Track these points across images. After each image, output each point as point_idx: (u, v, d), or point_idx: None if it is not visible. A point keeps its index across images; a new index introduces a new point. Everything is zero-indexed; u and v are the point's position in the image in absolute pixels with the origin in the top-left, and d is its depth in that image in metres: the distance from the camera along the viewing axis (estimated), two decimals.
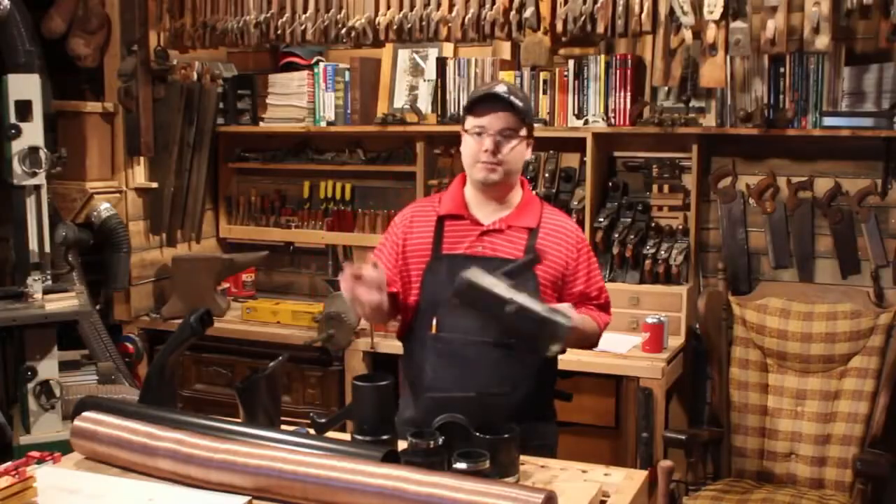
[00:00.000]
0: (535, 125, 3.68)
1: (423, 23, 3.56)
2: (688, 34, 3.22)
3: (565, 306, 2.12)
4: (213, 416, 2.08)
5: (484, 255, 2.28)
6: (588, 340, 2.39)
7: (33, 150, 3.23)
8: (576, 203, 3.74)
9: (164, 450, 1.85)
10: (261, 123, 4.28)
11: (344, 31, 3.68)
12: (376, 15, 3.63)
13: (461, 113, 2.37)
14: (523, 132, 2.29)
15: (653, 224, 3.71)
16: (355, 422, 1.96)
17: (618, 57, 3.63)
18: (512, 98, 2.26)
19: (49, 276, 3.34)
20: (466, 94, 3.84)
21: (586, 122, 3.67)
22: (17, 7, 3.47)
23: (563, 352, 2.41)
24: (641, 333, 3.41)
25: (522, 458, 2.00)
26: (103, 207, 3.83)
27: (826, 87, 3.37)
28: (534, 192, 2.49)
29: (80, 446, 2.02)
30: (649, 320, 3.38)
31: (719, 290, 3.56)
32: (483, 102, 2.27)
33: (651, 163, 3.75)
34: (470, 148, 2.29)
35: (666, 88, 3.63)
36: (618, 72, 3.62)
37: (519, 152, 2.30)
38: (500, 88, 2.28)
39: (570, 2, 3.32)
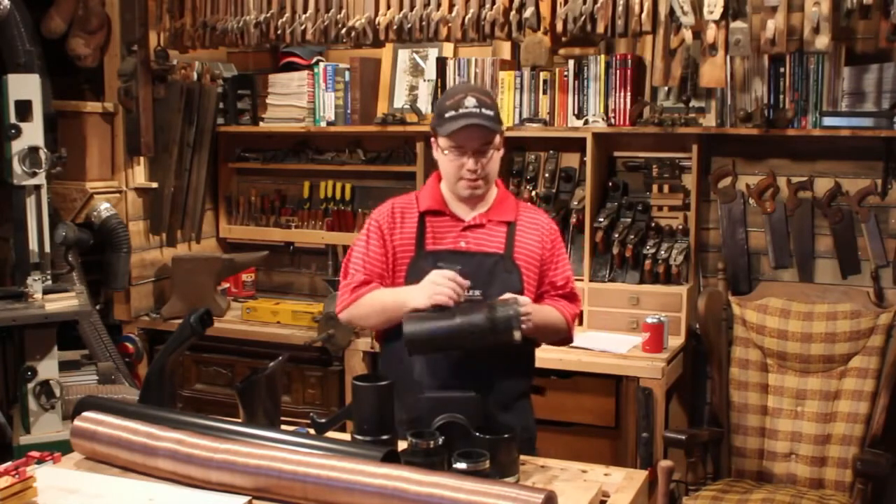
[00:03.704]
0: (535, 125, 3.72)
1: (423, 23, 3.56)
2: (688, 34, 3.22)
3: (511, 296, 2.17)
4: (213, 416, 2.09)
5: (468, 251, 2.33)
6: (555, 332, 2.40)
7: (33, 150, 3.23)
8: (576, 203, 3.74)
9: (164, 450, 1.85)
10: (261, 123, 4.28)
11: (344, 31, 3.68)
12: (376, 15, 3.63)
13: (434, 127, 2.35)
14: (497, 140, 2.32)
15: (653, 224, 3.71)
16: (355, 422, 1.97)
17: (618, 57, 3.63)
18: (482, 110, 2.25)
19: (49, 276, 3.34)
20: None
21: (586, 122, 3.67)
22: (17, 7, 3.47)
23: (542, 343, 2.45)
24: (641, 333, 3.41)
25: (522, 457, 2.00)
26: (103, 207, 3.83)
27: (826, 87, 3.37)
28: (508, 189, 2.52)
29: (80, 446, 2.02)
30: (649, 320, 3.38)
31: (719, 290, 3.56)
32: (454, 122, 2.25)
33: (651, 163, 3.75)
34: (450, 165, 2.31)
35: (666, 88, 3.63)
36: (618, 72, 3.62)
37: (496, 161, 2.34)
38: (470, 103, 2.25)
39: (570, 2, 3.32)
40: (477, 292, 2.26)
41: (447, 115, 2.27)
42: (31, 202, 3.28)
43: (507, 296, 2.18)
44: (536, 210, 2.51)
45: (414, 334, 2.12)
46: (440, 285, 2.17)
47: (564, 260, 2.44)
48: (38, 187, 3.28)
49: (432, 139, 2.36)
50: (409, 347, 2.14)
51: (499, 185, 2.44)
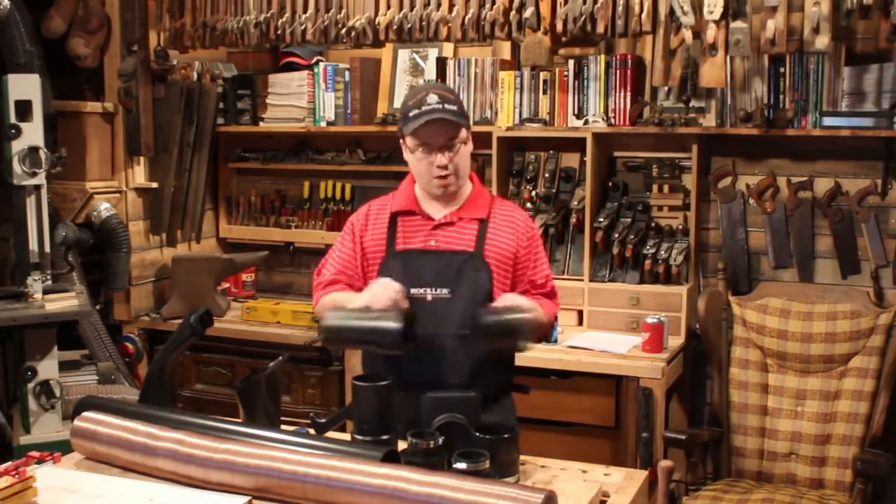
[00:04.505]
0: (535, 125, 3.72)
1: (423, 23, 3.56)
2: (688, 34, 3.22)
3: (514, 297, 2.20)
4: (213, 416, 2.09)
5: (437, 249, 2.34)
6: (540, 330, 2.39)
7: (33, 150, 3.23)
8: (576, 203, 3.74)
9: (164, 450, 1.85)
10: (261, 123, 4.28)
11: (344, 31, 3.68)
12: (376, 15, 3.63)
13: (400, 128, 2.36)
14: (463, 134, 2.32)
15: (653, 224, 3.71)
16: (355, 422, 1.97)
17: (618, 57, 3.63)
18: (445, 105, 2.27)
19: (49, 276, 3.34)
20: (467, 95, 3.84)
21: (586, 122, 3.67)
22: (17, 7, 3.47)
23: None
24: (641, 333, 3.41)
25: (522, 457, 2.00)
26: (103, 207, 3.83)
27: (826, 87, 3.37)
28: (484, 186, 2.53)
29: (80, 446, 2.02)
30: (649, 320, 3.38)
31: (719, 290, 3.56)
32: (418, 119, 2.27)
33: (651, 163, 3.75)
34: (420, 164, 2.33)
35: (666, 88, 3.63)
36: (618, 72, 3.62)
37: (465, 155, 2.35)
38: (432, 100, 2.27)
39: (570, 2, 3.32)
40: (445, 291, 2.28)
41: (411, 113, 2.29)
42: (31, 202, 3.28)
43: (510, 300, 2.19)
44: (512, 206, 2.51)
45: (325, 327, 2.18)
46: (386, 289, 2.18)
47: (543, 258, 2.45)
48: (38, 187, 3.28)
49: (401, 140, 2.37)
50: (322, 338, 2.22)
51: (475, 181, 2.45)
